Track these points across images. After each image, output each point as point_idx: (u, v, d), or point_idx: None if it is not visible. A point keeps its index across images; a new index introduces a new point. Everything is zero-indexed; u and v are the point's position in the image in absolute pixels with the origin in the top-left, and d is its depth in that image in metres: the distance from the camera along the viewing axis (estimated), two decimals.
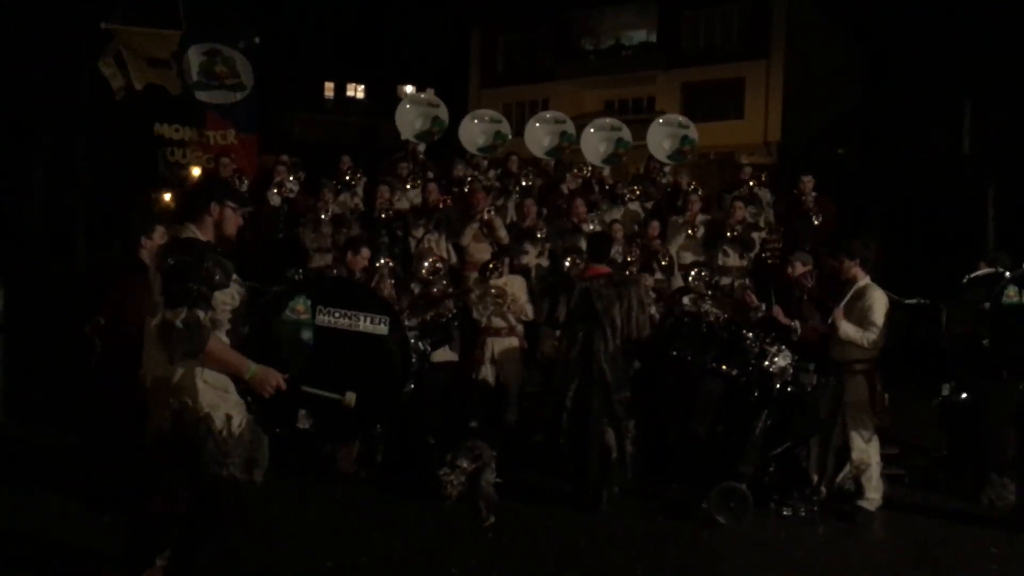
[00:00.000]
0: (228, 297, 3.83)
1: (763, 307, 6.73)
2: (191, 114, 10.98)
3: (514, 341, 7.72)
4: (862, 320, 6.18)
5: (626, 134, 11.64)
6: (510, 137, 11.90)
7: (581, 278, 6.60)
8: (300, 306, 3.97)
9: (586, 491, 6.28)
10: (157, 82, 11.10)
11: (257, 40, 11.18)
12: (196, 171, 11.05)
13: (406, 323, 7.11)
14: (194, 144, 10.97)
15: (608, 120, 12.23)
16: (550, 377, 6.81)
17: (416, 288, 7.97)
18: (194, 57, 10.89)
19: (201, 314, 3.65)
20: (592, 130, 11.69)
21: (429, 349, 6.87)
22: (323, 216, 9.32)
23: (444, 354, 7.40)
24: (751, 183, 11.01)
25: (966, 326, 6.16)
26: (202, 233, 3.91)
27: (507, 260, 8.11)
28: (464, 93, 33.25)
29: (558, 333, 6.77)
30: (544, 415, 6.94)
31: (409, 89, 37.41)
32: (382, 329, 4.03)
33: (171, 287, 3.67)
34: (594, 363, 6.30)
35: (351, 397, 3.90)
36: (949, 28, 19.17)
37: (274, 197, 9.80)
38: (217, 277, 3.75)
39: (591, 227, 9.36)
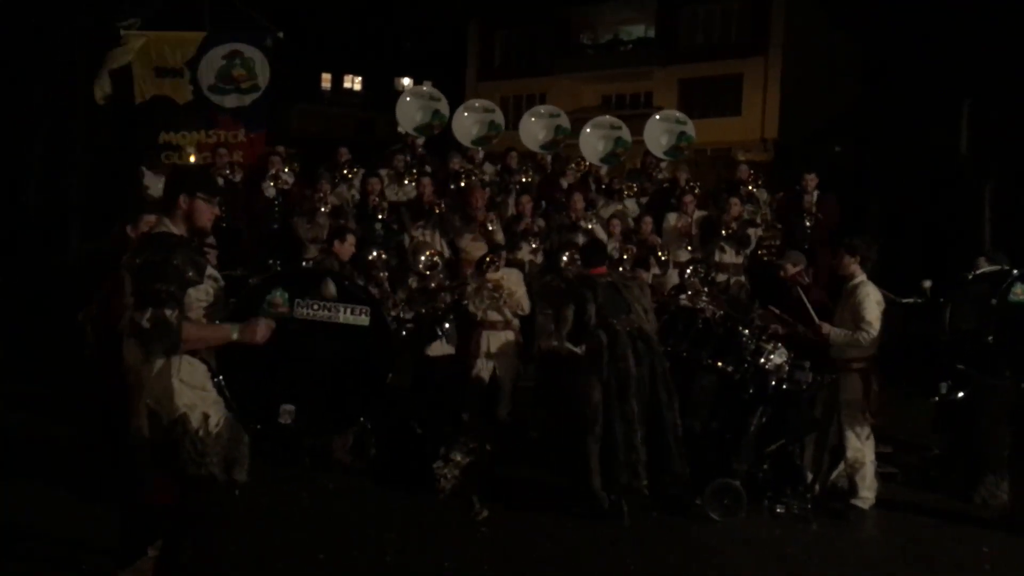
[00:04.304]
0: (202, 294, 3.78)
1: (798, 326, 6.55)
2: (199, 119, 11.05)
3: (510, 335, 7.70)
4: (855, 318, 6.17)
5: (625, 133, 11.45)
6: (503, 127, 11.72)
7: (597, 274, 6.44)
8: (278, 299, 3.91)
9: (608, 497, 5.94)
10: (163, 93, 11.10)
11: (281, 35, 11.33)
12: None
13: (403, 316, 7.11)
14: (198, 145, 11.00)
15: (607, 119, 12.02)
16: (559, 376, 6.59)
17: (414, 281, 7.95)
18: (213, 62, 10.98)
19: (168, 312, 3.58)
20: (589, 129, 11.51)
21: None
22: (322, 209, 9.30)
23: (440, 348, 7.40)
24: (748, 176, 10.98)
25: (970, 322, 6.13)
26: (175, 226, 3.85)
27: (503, 254, 8.09)
28: (461, 86, 33.16)
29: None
30: (552, 414, 6.84)
31: (406, 82, 37.31)
32: (363, 320, 3.96)
33: (139, 287, 3.63)
34: (655, 351, 6.08)
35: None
36: (948, 27, 19.14)
37: (269, 188, 9.77)
38: (189, 274, 3.68)
39: (589, 224, 9.34)
